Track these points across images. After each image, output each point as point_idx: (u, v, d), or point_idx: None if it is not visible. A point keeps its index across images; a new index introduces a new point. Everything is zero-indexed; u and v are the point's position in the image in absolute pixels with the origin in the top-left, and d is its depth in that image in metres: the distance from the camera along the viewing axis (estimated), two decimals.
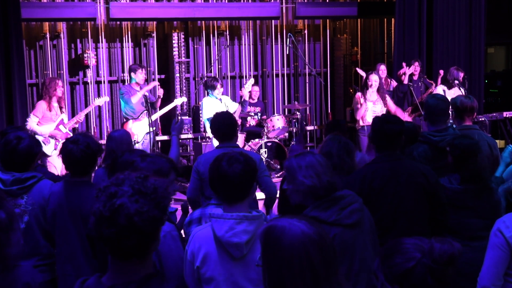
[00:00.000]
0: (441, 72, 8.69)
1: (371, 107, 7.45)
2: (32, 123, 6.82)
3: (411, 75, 8.60)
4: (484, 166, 3.70)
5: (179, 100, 8.42)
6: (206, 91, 7.77)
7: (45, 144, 6.86)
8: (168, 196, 1.76)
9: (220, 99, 7.66)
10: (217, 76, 9.98)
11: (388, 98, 7.62)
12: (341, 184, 3.35)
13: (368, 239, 2.85)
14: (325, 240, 1.76)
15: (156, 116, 7.98)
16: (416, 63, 8.61)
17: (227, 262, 2.61)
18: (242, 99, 7.80)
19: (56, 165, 6.74)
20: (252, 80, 8.42)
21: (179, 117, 4.64)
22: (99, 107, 9.55)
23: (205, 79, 8.13)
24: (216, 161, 2.77)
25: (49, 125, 6.92)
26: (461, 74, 7.94)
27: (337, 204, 2.75)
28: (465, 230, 3.55)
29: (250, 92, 9.13)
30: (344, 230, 2.73)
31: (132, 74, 7.61)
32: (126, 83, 9.33)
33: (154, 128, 7.44)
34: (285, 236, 1.73)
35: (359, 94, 7.60)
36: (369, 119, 7.37)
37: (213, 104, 7.51)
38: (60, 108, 7.07)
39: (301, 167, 2.78)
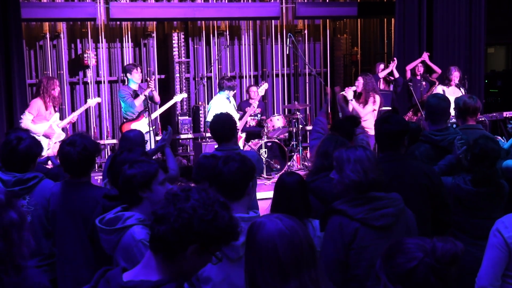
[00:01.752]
0: (439, 70, 8.84)
1: (360, 111, 7.51)
2: (26, 120, 6.81)
3: (414, 74, 8.66)
4: (497, 170, 3.70)
5: (179, 97, 8.44)
6: (219, 89, 7.87)
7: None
8: (212, 228, 1.75)
9: (229, 100, 7.79)
10: (217, 76, 9.99)
11: (369, 101, 7.63)
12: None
13: None
14: (298, 236, 1.80)
15: (156, 114, 7.98)
16: (420, 64, 8.70)
17: (224, 263, 2.60)
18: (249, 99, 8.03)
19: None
20: (266, 85, 8.69)
21: (168, 128, 4.63)
22: (99, 107, 9.55)
23: (223, 78, 8.20)
24: (213, 161, 2.78)
25: (43, 123, 6.91)
26: (458, 74, 7.99)
27: (370, 203, 2.73)
28: (475, 229, 3.57)
29: (248, 93, 9.15)
30: (368, 230, 2.70)
31: (128, 75, 7.53)
32: (126, 84, 9.33)
33: (154, 127, 7.45)
34: (259, 231, 1.81)
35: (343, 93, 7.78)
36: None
37: (223, 103, 7.59)
38: (54, 107, 7.06)
39: (349, 161, 2.78)
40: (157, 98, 7.82)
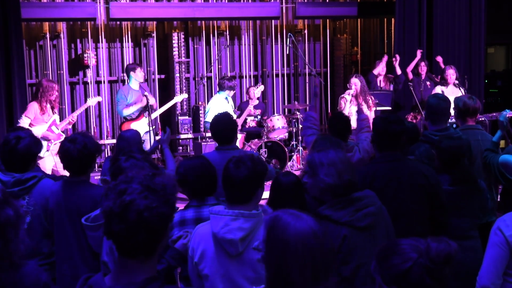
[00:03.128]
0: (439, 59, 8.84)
1: (354, 112, 7.38)
2: (24, 124, 6.79)
3: (418, 74, 8.65)
4: (478, 164, 3.71)
5: (180, 97, 8.43)
6: (219, 89, 7.94)
7: None
8: (176, 193, 1.79)
9: (227, 100, 7.83)
10: (217, 76, 9.99)
11: (369, 103, 7.58)
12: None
13: (381, 243, 2.82)
14: (326, 239, 1.82)
15: (155, 114, 7.98)
16: (423, 63, 8.68)
17: (224, 259, 2.64)
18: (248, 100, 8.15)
19: (46, 167, 6.71)
20: (262, 87, 8.75)
21: (166, 129, 4.62)
22: (99, 107, 9.56)
23: (224, 78, 8.27)
24: (227, 162, 2.80)
25: (41, 126, 6.89)
26: (453, 72, 7.98)
27: (353, 205, 2.74)
28: (455, 229, 3.57)
29: (248, 94, 9.17)
30: (354, 231, 2.71)
31: (131, 73, 7.53)
32: (126, 83, 9.33)
33: (154, 127, 7.45)
34: (291, 228, 1.77)
35: (342, 96, 7.69)
36: (354, 124, 7.22)
37: (221, 104, 7.62)
38: (52, 108, 7.04)
39: (323, 164, 2.77)
40: (155, 106, 7.92)
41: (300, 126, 9.19)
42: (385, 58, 8.98)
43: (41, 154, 6.82)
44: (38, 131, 6.84)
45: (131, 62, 8.54)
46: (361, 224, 2.71)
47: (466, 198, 3.60)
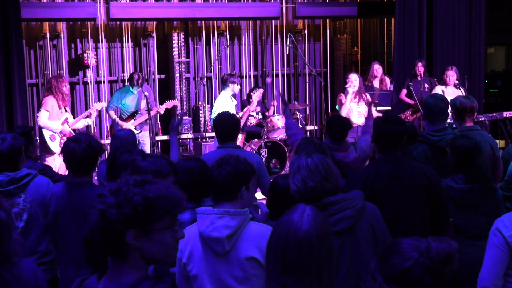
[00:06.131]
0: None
1: (355, 108, 7.33)
2: (43, 118, 6.80)
3: (415, 75, 8.62)
4: (487, 165, 3.70)
5: (171, 103, 8.35)
6: (223, 87, 8.11)
7: (51, 141, 6.83)
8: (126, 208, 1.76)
9: (232, 100, 7.88)
10: (217, 76, 10.00)
11: (365, 99, 7.54)
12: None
13: (362, 246, 2.79)
14: (312, 241, 1.92)
15: (141, 119, 7.88)
16: (420, 64, 8.62)
17: (211, 258, 2.64)
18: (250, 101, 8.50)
19: (55, 165, 6.72)
20: (261, 90, 8.88)
21: (179, 116, 4.64)
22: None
23: (225, 74, 8.38)
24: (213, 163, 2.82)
25: (55, 122, 6.92)
26: (453, 73, 7.95)
27: (326, 210, 2.70)
28: (473, 229, 3.57)
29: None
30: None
31: (133, 84, 7.68)
32: (127, 83, 9.35)
33: (140, 132, 7.54)
34: (282, 220, 1.94)
35: (341, 94, 7.63)
36: (354, 120, 7.16)
37: (227, 103, 7.73)
38: (64, 107, 7.08)
39: (292, 170, 2.81)
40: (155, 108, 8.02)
41: (300, 126, 9.19)
42: (375, 68, 8.93)
43: (56, 150, 6.83)
44: (56, 126, 6.86)
45: (137, 71, 8.55)
46: (335, 229, 2.67)
47: (482, 197, 3.59)
